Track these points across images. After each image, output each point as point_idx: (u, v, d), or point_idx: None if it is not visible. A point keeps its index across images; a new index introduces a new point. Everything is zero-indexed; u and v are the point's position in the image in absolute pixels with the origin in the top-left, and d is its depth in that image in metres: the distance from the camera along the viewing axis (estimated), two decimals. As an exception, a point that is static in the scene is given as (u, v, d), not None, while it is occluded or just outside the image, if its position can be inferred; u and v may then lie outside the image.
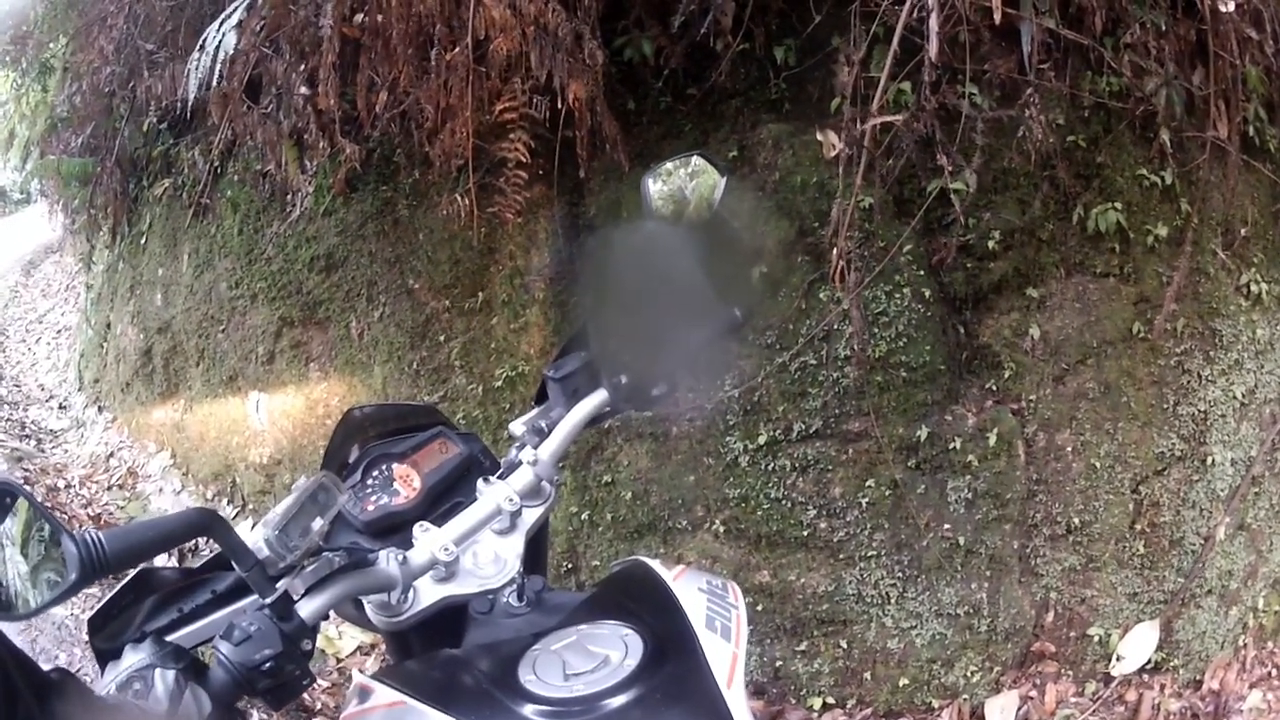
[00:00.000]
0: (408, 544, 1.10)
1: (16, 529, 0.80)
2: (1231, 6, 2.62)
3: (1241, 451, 2.86)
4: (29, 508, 0.80)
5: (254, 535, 0.89)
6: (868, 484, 2.69)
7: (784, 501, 2.75)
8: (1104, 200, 2.67)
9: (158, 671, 0.85)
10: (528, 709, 0.90)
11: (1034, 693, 2.76)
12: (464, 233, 3.07)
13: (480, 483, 1.19)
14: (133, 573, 1.01)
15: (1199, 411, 2.77)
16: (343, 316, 3.56)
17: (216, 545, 0.88)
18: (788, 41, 2.79)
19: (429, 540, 1.10)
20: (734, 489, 2.79)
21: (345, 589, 0.97)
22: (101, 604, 0.99)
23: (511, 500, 1.16)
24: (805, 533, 2.74)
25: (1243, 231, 2.84)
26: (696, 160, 1.39)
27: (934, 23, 2.29)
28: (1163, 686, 2.77)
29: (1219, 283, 2.80)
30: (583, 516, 3.01)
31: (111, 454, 4.99)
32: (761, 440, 2.75)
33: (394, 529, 1.19)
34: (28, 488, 0.86)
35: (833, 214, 2.53)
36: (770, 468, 2.75)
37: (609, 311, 1.32)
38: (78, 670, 0.83)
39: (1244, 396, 2.83)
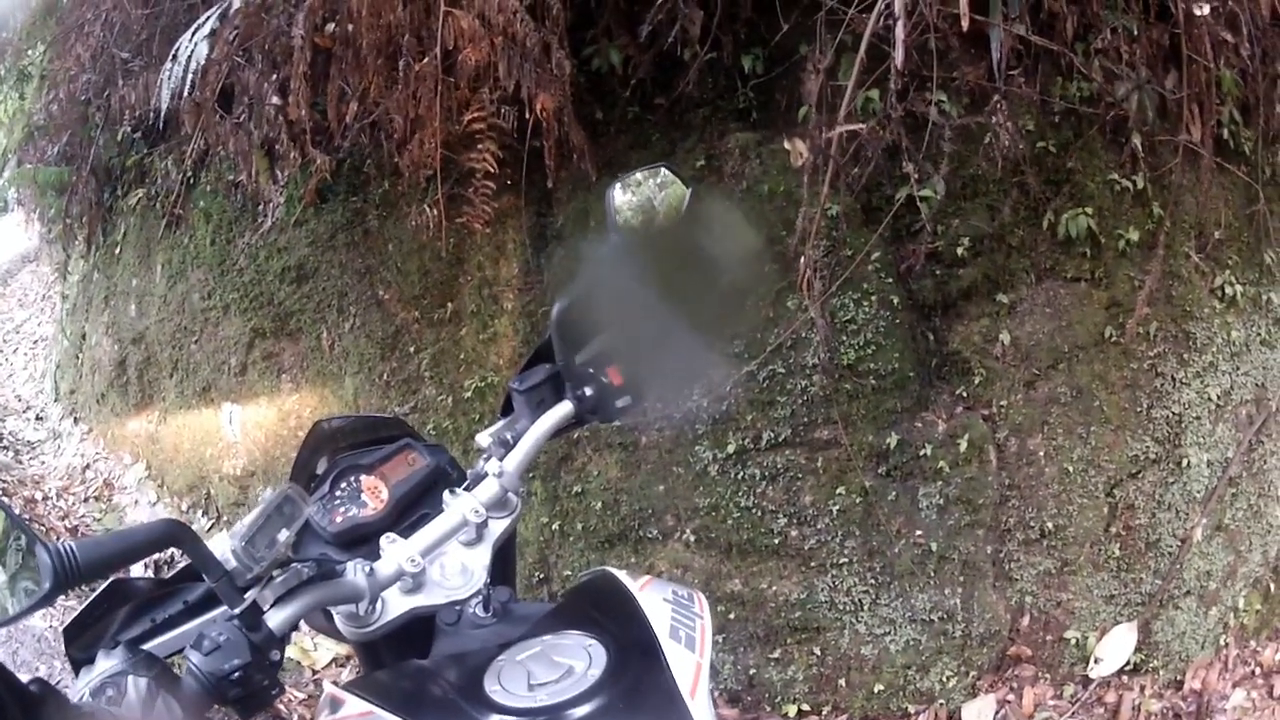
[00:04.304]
0: (375, 555, 1.11)
1: None
2: (1206, 10, 2.62)
3: (1218, 453, 2.86)
4: (4, 519, 0.82)
5: (221, 546, 0.91)
6: (838, 491, 2.69)
7: (754, 510, 2.75)
8: (1075, 205, 2.67)
9: (130, 678, 0.87)
10: (493, 719, 0.91)
11: (1011, 696, 2.76)
12: (433, 243, 3.07)
13: (447, 495, 1.20)
14: (107, 583, 1.03)
15: (1173, 414, 2.77)
16: (314, 328, 3.55)
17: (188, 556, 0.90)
18: (755, 50, 2.78)
19: (396, 552, 1.11)
20: (704, 498, 2.79)
21: (313, 600, 0.98)
22: (77, 613, 1.01)
23: (477, 512, 1.17)
24: (776, 541, 2.74)
25: (1216, 234, 2.84)
26: (663, 172, 1.39)
27: (900, 30, 2.28)
28: (1143, 687, 2.77)
29: (1192, 286, 2.80)
30: (553, 527, 3.00)
31: (88, 466, 4.97)
32: (731, 449, 2.74)
33: (362, 540, 1.20)
34: (6, 500, 0.87)
35: (799, 223, 2.53)
36: (740, 476, 2.75)
37: (577, 324, 1.32)
38: (57, 682, 0.85)
39: (1219, 398, 2.84)
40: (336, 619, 1.10)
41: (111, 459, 4.89)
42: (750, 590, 2.78)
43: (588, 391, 1.31)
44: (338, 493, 1.25)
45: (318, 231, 3.46)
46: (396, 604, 1.11)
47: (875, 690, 2.73)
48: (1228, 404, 2.87)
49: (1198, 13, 2.60)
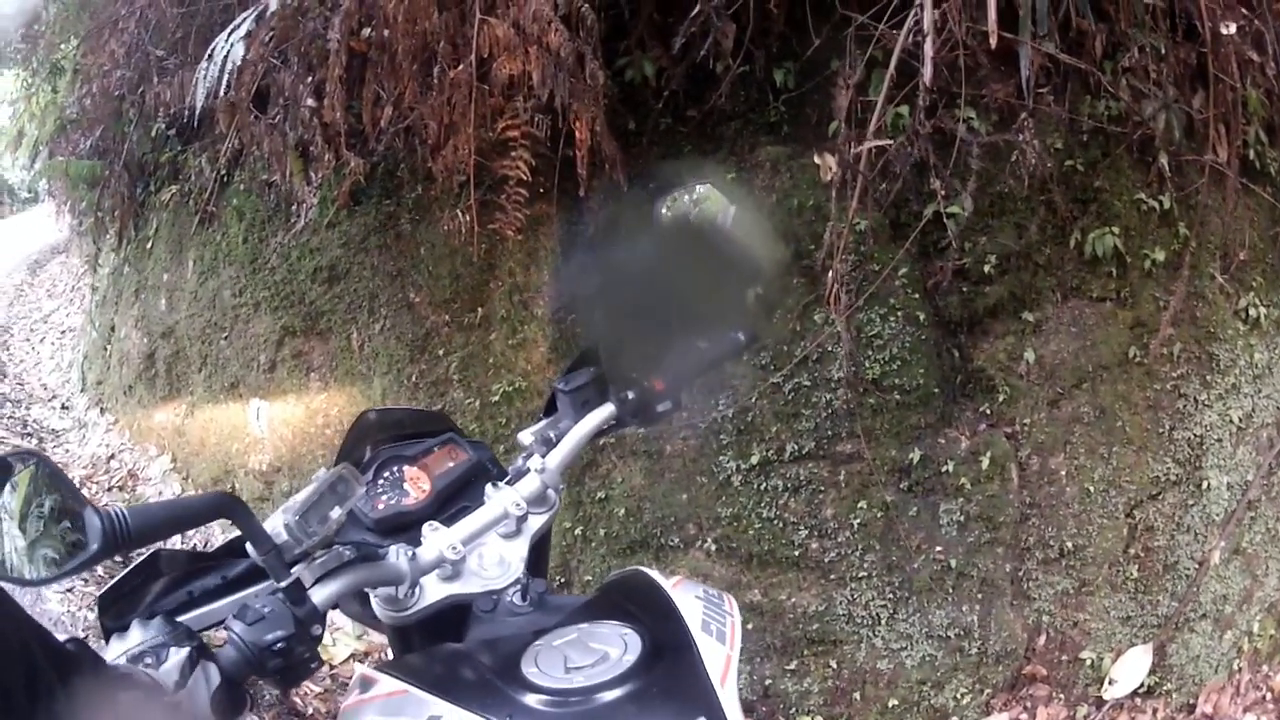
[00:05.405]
0: (416, 542, 1.14)
1: (17, 501, 0.83)
2: (1233, 29, 2.62)
3: (1238, 476, 2.85)
4: (34, 478, 0.83)
5: (274, 520, 0.94)
6: (859, 505, 2.70)
7: (776, 521, 2.76)
8: (1101, 224, 2.67)
9: (171, 649, 0.88)
10: (528, 698, 0.94)
11: (1024, 715, 2.76)
12: (465, 248, 3.10)
13: (489, 488, 1.23)
14: (144, 553, 1.04)
15: (1195, 436, 2.77)
16: (344, 328, 3.59)
17: (235, 530, 0.93)
18: (787, 64, 2.80)
19: (438, 539, 1.14)
20: (726, 508, 2.81)
21: (355, 580, 1.02)
22: (113, 582, 1.03)
23: (518, 505, 1.20)
24: (796, 553, 2.76)
25: (1241, 255, 2.84)
26: (706, 187, 1.42)
27: (929, 47, 2.30)
28: (1155, 710, 2.76)
29: (1217, 307, 2.80)
30: (576, 531, 3.03)
31: (112, 456, 5.02)
32: (754, 460, 2.76)
33: (403, 528, 1.23)
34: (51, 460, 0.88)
35: (827, 237, 2.55)
36: (763, 488, 2.77)
37: (617, 328, 1.36)
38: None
39: (1241, 421, 2.83)
40: (373, 602, 1.13)
41: (137, 450, 4.95)
42: (769, 601, 2.79)
43: (630, 395, 1.34)
44: (381, 481, 1.29)
45: (350, 233, 3.50)
46: (434, 590, 1.14)
47: (890, 705, 2.74)
48: (1249, 427, 2.86)
49: (1224, 32, 2.61)
